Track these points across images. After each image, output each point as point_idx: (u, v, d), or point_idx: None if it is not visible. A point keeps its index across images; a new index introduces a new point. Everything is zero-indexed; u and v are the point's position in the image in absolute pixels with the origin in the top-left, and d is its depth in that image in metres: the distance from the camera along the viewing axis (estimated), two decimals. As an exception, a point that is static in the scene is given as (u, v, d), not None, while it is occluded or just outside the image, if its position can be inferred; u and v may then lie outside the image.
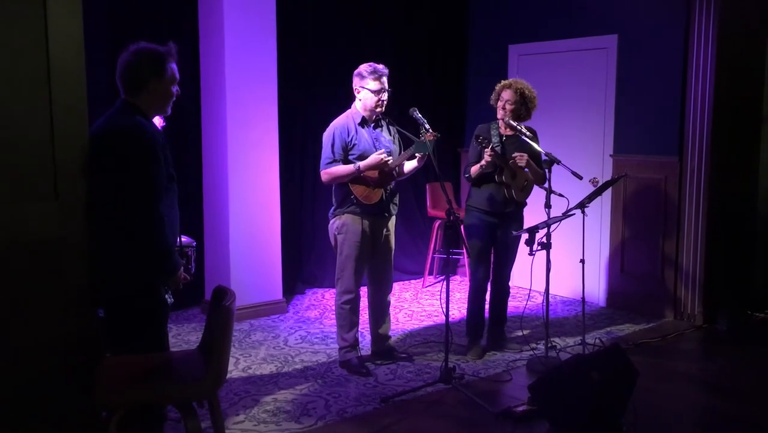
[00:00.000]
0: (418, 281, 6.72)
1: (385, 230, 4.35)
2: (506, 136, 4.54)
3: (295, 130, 6.07)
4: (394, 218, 4.43)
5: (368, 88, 4.16)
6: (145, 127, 2.71)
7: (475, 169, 4.44)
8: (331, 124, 4.27)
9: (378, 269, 4.41)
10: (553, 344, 4.76)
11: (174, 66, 2.81)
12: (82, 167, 2.61)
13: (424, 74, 6.73)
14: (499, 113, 4.50)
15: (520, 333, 5.01)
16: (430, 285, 6.62)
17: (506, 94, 4.46)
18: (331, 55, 6.16)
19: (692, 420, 3.85)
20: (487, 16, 6.82)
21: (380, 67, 4.19)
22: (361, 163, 4.13)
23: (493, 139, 4.47)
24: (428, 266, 6.57)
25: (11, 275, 2.47)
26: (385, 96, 4.20)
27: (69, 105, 2.55)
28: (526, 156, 4.40)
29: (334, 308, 5.72)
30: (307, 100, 6.11)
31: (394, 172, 4.23)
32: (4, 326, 2.46)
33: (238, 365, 4.44)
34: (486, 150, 4.28)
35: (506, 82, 4.55)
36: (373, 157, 4.13)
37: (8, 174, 2.45)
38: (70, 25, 2.54)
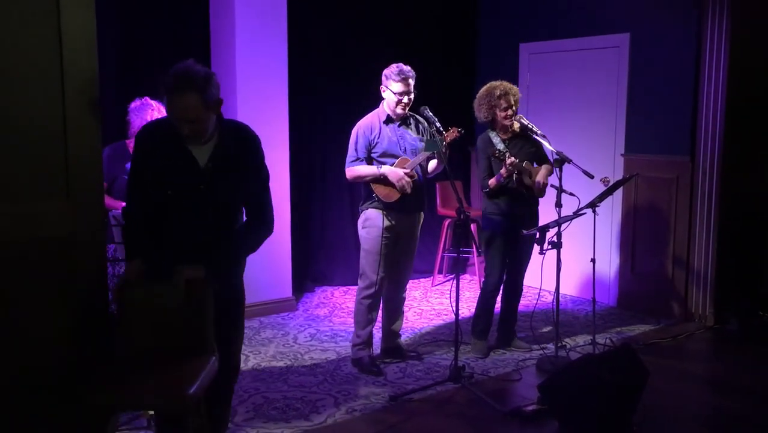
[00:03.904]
0: (427, 279, 6.72)
1: (408, 226, 4.35)
2: (507, 139, 4.52)
3: (305, 128, 6.07)
4: (422, 215, 4.43)
5: (392, 90, 4.18)
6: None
7: (494, 182, 4.40)
8: (358, 123, 4.31)
9: (397, 265, 4.40)
10: (563, 343, 4.75)
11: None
12: (94, 165, 2.63)
13: (433, 73, 6.68)
14: (507, 122, 4.44)
15: (530, 332, 5.00)
16: (439, 284, 6.62)
17: (506, 102, 4.39)
18: (341, 54, 6.17)
19: (702, 421, 3.83)
20: (497, 15, 6.80)
21: (406, 69, 4.19)
22: (383, 169, 4.15)
23: (500, 147, 4.44)
24: (438, 264, 6.57)
25: (21, 272, 2.48)
26: (406, 99, 4.20)
27: (82, 103, 2.56)
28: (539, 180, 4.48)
29: (343, 306, 5.78)
30: (318, 99, 6.11)
31: (414, 174, 4.22)
32: (13, 322, 2.48)
33: (248, 363, 4.45)
34: (507, 160, 4.25)
35: (495, 93, 4.40)
36: (395, 172, 4.13)
37: (20, 172, 2.47)
38: (83, 23, 2.55)
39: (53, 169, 2.53)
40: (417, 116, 4.39)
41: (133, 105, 4.17)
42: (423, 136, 4.36)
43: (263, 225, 2.88)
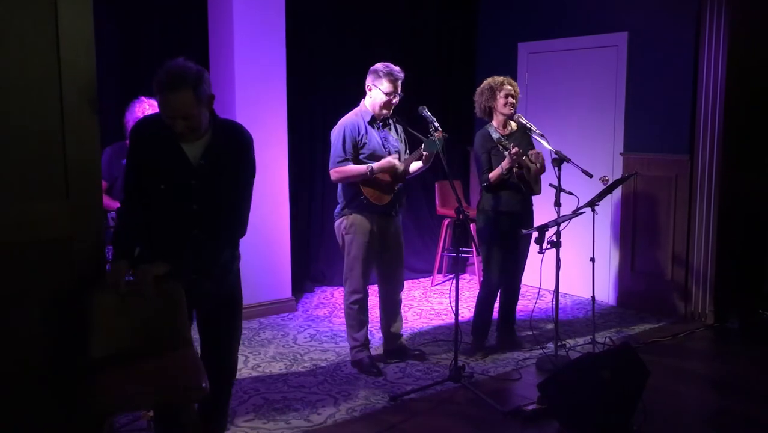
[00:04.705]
0: (427, 279, 6.72)
1: (393, 228, 4.34)
2: (506, 135, 4.52)
3: (304, 128, 6.07)
4: (401, 217, 4.43)
5: (381, 89, 4.14)
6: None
7: (495, 174, 4.39)
8: (340, 122, 4.25)
9: (389, 268, 4.40)
10: (563, 343, 4.75)
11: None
12: (93, 166, 2.62)
13: (432, 72, 6.72)
14: (506, 110, 4.46)
15: (529, 332, 4.99)
16: (439, 284, 6.62)
17: (507, 90, 4.44)
18: (339, 53, 6.17)
19: (703, 420, 3.83)
20: (496, 14, 6.81)
21: (397, 69, 4.17)
22: (374, 165, 4.11)
23: (504, 141, 4.44)
24: (437, 264, 6.57)
25: (21, 273, 2.48)
26: (396, 99, 4.18)
27: (80, 104, 2.56)
28: (541, 153, 4.46)
29: (343, 306, 5.76)
30: (317, 99, 6.11)
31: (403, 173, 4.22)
32: (13, 323, 2.47)
33: (248, 363, 4.45)
34: (510, 150, 4.25)
35: (495, 81, 4.46)
36: (387, 161, 4.12)
37: (19, 173, 2.46)
38: (81, 24, 2.55)
39: (52, 170, 2.53)
40: (395, 118, 4.36)
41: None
42: (401, 137, 4.36)
43: (232, 223, 2.78)
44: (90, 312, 2.53)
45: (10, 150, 2.44)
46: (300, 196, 6.09)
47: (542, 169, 4.54)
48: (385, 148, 4.22)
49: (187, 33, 5.41)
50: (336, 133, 4.23)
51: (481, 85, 4.54)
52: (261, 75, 5.32)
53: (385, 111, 4.21)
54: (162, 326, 2.60)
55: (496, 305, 4.77)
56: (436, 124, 4.12)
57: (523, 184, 4.46)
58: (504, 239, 4.52)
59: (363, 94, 4.31)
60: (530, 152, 4.46)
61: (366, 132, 4.19)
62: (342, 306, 5.75)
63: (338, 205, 4.32)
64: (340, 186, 4.28)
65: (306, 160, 6.15)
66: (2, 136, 2.43)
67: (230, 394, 3.08)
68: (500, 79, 4.48)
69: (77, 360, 2.55)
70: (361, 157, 4.18)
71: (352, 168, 4.15)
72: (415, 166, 4.29)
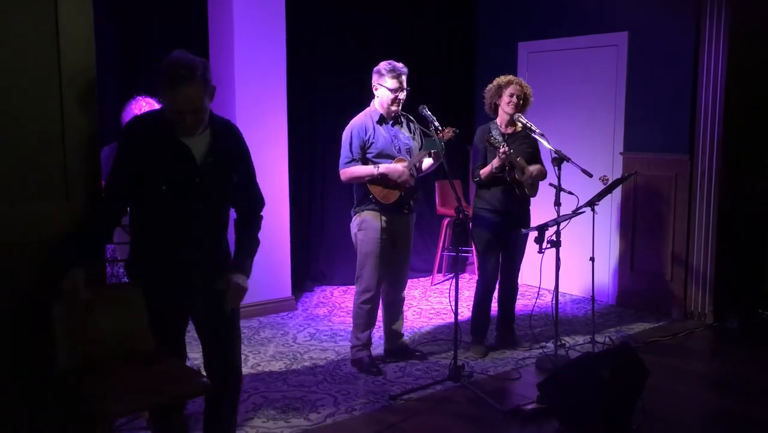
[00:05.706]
0: (426, 278, 6.72)
1: (404, 226, 4.34)
2: (508, 134, 4.53)
3: (304, 127, 6.08)
4: (414, 215, 4.43)
5: (386, 86, 4.16)
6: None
7: (486, 171, 4.41)
8: (350, 123, 4.27)
9: (395, 266, 4.40)
10: (563, 342, 4.75)
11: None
12: (92, 165, 2.62)
13: (432, 72, 6.72)
14: (508, 109, 4.47)
15: (529, 331, 5.00)
16: (438, 283, 6.62)
17: (512, 89, 4.46)
18: (340, 53, 6.17)
19: (702, 419, 3.83)
20: (495, 14, 6.81)
21: (399, 65, 4.18)
22: (381, 169, 4.12)
23: (497, 136, 4.46)
24: (437, 263, 6.57)
25: (21, 274, 2.48)
26: (402, 95, 4.19)
27: (80, 104, 2.56)
28: (532, 171, 4.48)
29: (343, 305, 5.78)
30: (317, 99, 6.12)
31: (412, 172, 4.23)
32: (15, 322, 2.48)
33: (247, 362, 4.45)
34: (500, 148, 4.26)
35: (503, 79, 4.52)
36: (395, 169, 4.12)
37: (19, 173, 2.47)
38: (81, 24, 2.55)
39: (52, 170, 2.53)
40: (408, 115, 4.38)
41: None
42: (414, 135, 4.37)
43: (259, 216, 2.91)
44: (52, 322, 2.43)
45: (9, 149, 2.45)
46: (300, 196, 6.09)
47: (541, 176, 4.54)
48: (394, 147, 4.22)
49: (187, 33, 5.41)
50: (344, 135, 4.26)
51: (491, 84, 4.59)
52: (261, 75, 5.32)
53: (393, 108, 4.22)
54: (132, 331, 2.58)
55: (495, 305, 4.78)
56: (436, 123, 4.13)
57: (516, 184, 4.46)
58: (498, 236, 4.53)
59: (363, 94, 4.32)
60: (530, 167, 4.48)
61: (374, 132, 4.20)
62: (342, 305, 5.79)
63: (353, 205, 4.35)
64: (353, 186, 4.31)
65: (306, 161, 6.15)
66: (2, 136, 2.43)
67: (239, 392, 3.00)
68: (510, 77, 4.53)
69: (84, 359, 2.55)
70: (368, 156, 4.19)
71: (360, 169, 4.17)
72: (428, 162, 4.32)
